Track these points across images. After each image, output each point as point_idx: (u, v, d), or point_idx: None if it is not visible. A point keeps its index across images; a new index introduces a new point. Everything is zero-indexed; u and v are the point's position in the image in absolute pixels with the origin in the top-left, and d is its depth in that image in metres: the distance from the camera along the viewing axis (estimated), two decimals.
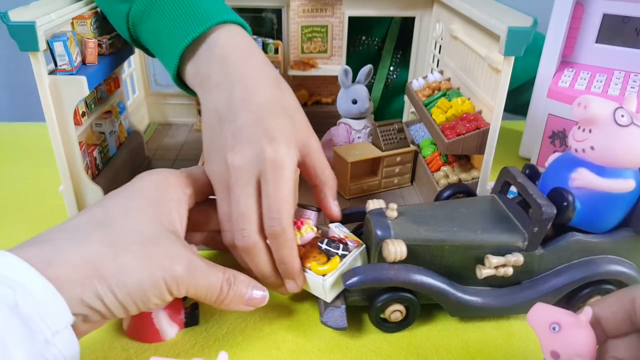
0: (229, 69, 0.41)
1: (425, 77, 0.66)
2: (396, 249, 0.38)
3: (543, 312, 0.31)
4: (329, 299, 0.40)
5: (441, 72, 0.66)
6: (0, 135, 0.79)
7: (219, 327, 0.42)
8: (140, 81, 0.74)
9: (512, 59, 0.45)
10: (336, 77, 0.65)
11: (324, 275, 0.39)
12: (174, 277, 0.33)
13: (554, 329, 0.29)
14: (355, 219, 0.46)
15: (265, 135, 0.37)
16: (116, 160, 0.58)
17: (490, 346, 0.41)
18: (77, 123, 0.50)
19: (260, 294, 0.38)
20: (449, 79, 0.63)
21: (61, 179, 0.50)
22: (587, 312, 0.29)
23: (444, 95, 0.58)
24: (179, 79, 0.46)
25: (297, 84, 0.76)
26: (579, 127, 0.41)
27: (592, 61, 0.71)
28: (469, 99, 0.55)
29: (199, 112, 0.76)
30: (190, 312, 0.42)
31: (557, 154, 0.44)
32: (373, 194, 0.61)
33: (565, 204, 0.39)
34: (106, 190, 0.51)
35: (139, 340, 0.40)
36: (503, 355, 0.40)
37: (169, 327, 0.40)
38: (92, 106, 0.54)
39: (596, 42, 0.69)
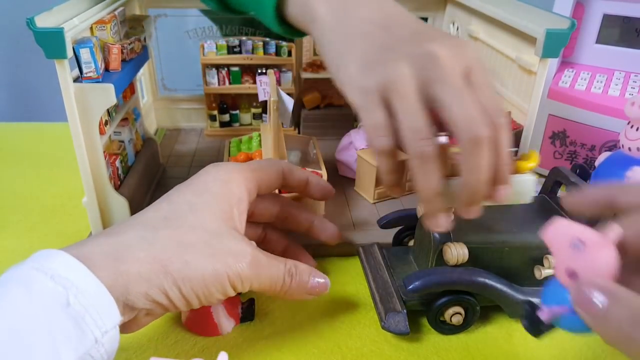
0: None
1: None
2: (458, 252, 0.38)
3: (564, 228, 0.27)
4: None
5: None
6: (0, 135, 0.77)
7: None
8: (149, 86, 0.72)
9: (548, 61, 0.46)
10: None
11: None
12: (237, 274, 0.33)
13: (576, 246, 0.26)
14: (402, 222, 0.46)
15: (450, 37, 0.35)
16: (136, 169, 0.56)
17: (490, 346, 0.41)
18: (101, 132, 0.48)
19: (321, 281, 0.38)
20: None
21: (85, 191, 0.48)
22: (615, 229, 0.26)
23: None
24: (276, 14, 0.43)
25: (310, 86, 0.75)
26: (632, 126, 0.41)
27: (592, 61, 0.71)
28: None
29: (209, 116, 0.74)
30: (247, 307, 0.42)
31: (607, 154, 0.45)
32: (397, 198, 0.60)
33: None
34: (130, 201, 0.50)
35: (196, 333, 0.41)
36: (503, 355, 0.41)
37: (226, 321, 0.41)
38: (113, 114, 0.52)
39: (596, 42, 0.70)
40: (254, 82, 0.72)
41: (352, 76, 0.35)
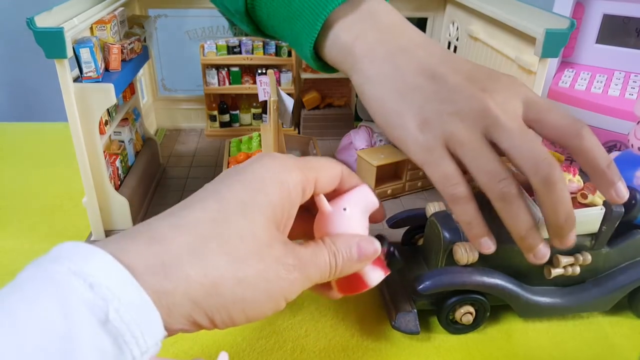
0: (399, 29, 0.38)
1: None
2: (468, 252, 0.38)
3: None
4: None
5: None
6: (0, 135, 0.77)
7: None
8: (149, 86, 0.72)
9: (548, 60, 0.46)
10: (348, 79, 0.64)
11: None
12: (291, 285, 0.30)
13: None
14: (411, 222, 0.46)
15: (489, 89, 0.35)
16: (136, 169, 0.56)
17: (490, 346, 0.41)
18: (101, 132, 0.48)
19: (367, 243, 0.33)
20: None
21: (85, 191, 0.48)
22: None
23: None
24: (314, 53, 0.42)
25: (309, 87, 0.75)
26: None
27: (592, 61, 0.72)
28: None
29: (209, 117, 0.74)
30: (390, 252, 0.39)
31: (616, 153, 0.45)
32: (397, 197, 0.60)
33: (633, 202, 0.40)
34: (130, 201, 0.50)
35: (350, 294, 0.37)
36: (504, 355, 0.41)
37: (373, 273, 0.36)
38: (113, 114, 0.52)
39: (596, 42, 0.70)
40: (254, 82, 0.73)
41: (412, 135, 0.35)
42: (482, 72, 0.36)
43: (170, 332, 0.28)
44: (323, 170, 0.35)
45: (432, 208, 0.43)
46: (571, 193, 0.39)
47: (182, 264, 0.27)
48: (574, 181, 0.39)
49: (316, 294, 0.37)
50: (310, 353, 0.40)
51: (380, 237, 0.37)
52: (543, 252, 0.35)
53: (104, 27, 0.49)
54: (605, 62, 0.70)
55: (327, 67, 0.42)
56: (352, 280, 0.36)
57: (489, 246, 0.35)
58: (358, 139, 0.63)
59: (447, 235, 0.40)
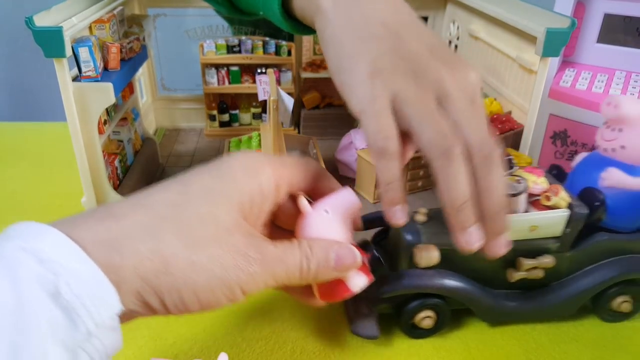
0: None
1: None
2: (428, 255, 0.37)
3: None
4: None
5: None
6: (0, 135, 0.77)
7: (219, 328, 0.42)
8: (148, 86, 0.72)
9: (549, 60, 0.45)
10: None
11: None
12: (250, 277, 0.29)
13: None
14: (378, 223, 0.44)
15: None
16: (135, 168, 0.56)
17: (491, 346, 0.41)
18: (100, 132, 0.47)
19: (346, 253, 0.32)
20: None
21: (84, 191, 0.47)
22: None
23: None
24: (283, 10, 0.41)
25: (309, 86, 0.75)
26: (608, 127, 0.41)
27: (593, 61, 0.71)
28: (495, 100, 0.55)
29: (209, 116, 0.74)
30: (374, 258, 0.39)
31: (584, 154, 0.44)
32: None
33: (597, 204, 0.39)
34: None
35: (328, 301, 0.35)
36: (504, 355, 0.40)
37: (357, 278, 0.35)
38: (112, 113, 0.52)
39: (597, 42, 0.70)
40: (254, 82, 0.72)
41: (361, 80, 0.33)
42: (445, 48, 0.35)
43: (124, 313, 0.27)
44: (296, 167, 0.34)
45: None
46: (535, 195, 0.39)
47: (134, 239, 0.27)
48: (539, 183, 0.39)
49: (296, 300, 0.35)
50: (310, 354, 0.40)
51: (365, 243, 0.37)
52: (475, 236, 0.31)
53: (103, 26, 0.49)
54: (606, 62, 0.70)
55: (299, 27, 0.41)
56: (334, 287, 0.34)
57: (399, 217, 0.32)
58: (358, 138, 0.63)
59: (408, 237, 0.38)
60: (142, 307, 0.28)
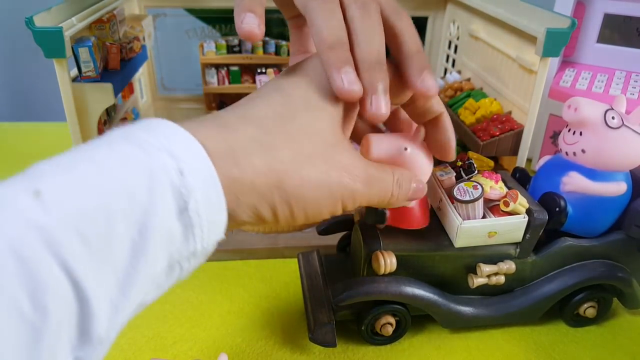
0: None
1: (443, 78, 0.65)
2: (386, 261, 0.37)
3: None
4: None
5: (459, 72, 0.65)
6: (0, 135, 0.77)
7: (219, 329, 0.42)
8: (148, 86, 0.72)
9: (549, 60, 0.45)
10: None
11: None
12: (352, 194, 0.30)
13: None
14: (341, 228, 0.44)
15: None
16: None
17: (491, 346, 0.41)
18: (100, 132, 0.47)
19: (420, 186, 0.34)
20: (469, 79, 0.63)
21: None
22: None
23: (468, 95, 0.58)
24: None
25: None
26: (569, 130, 0.40)
27: (593, 61, 0.71)
28: (495, 100, 0.55)
29: None
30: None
31: (547, 157, 0.44)
32: None
33: (557, 209, 0.38)
34: None
35: (400, 226, 0.37)
36: (504, 355, 0.40)
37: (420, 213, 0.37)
38: (112, 114, 0.52)
39: (597, 42, 0.70)
40: (254, 82, 0.72)
41: None
42: None
43: (235, 222, 0.27)
44: None
45: (360, 214, 0.41)
46: (493, 201, 0.38)
47: (250, 153, 0.27)
48: (496, 188, 0.38)
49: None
50: (310, 354, 0.40)
51: None
52: (351, 76, 0.29)
53: (102, 26, 0.49)
54: (606, 62, 0.70)
55: None
56: (404, 213, 0.36)
57: (382, 106, 0.30)
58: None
59: (367, 243, 0.38)
60: (255, 219, 0.28)
